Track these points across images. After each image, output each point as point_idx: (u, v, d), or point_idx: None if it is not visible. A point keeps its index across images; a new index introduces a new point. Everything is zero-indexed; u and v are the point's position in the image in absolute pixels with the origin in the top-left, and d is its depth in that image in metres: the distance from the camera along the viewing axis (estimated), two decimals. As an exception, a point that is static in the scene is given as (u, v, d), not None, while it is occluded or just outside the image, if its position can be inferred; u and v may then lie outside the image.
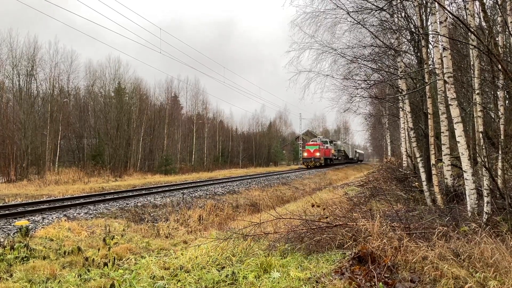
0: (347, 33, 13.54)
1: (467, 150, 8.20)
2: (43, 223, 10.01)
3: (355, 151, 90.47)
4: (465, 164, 8.09)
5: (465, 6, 9.42)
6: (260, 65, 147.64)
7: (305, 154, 50.66)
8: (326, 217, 7.12)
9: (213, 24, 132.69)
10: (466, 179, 8.12)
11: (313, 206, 7.89)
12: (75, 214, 11.40)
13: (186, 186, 22.22)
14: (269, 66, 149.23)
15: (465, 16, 9.67)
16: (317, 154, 49.15)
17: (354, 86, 14.68)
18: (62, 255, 7.43)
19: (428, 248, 5.14)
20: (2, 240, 8.29)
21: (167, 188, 20.17)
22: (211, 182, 25.02)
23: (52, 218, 10.65)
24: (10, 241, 8.06)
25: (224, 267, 5.81)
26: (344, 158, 72.33)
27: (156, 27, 62.30)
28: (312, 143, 52.43)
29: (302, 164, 53.13)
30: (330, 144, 59.94)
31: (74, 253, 7.56)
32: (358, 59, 13.28)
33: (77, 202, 14.03)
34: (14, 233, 8.80)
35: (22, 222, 9.92)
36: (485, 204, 7.41)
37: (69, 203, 13.75)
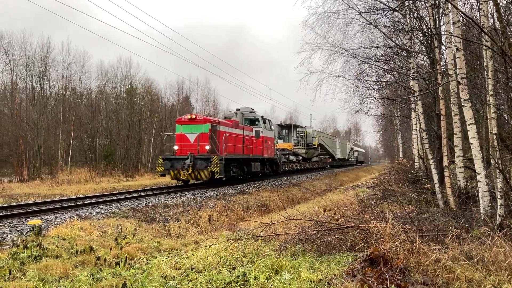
0: (359, 34, 13.49)
1: (480, 152, 8.11)
2: (56, 222, 10.09)
3: (351, 148, 68.68)
4: (478, 166, 8.01)
5: (478, 6, 9.33)
6: (268, 68, 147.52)
7: (175, 147, 20.91)
8: (337, 219, 7.09)
9: (223, 30, 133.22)
10: (479, 181, 8.04)
11: (325, 210, 7.87)
12: (87, 214, 11.48)
13: (197, 186, 22.28)
14: (278, 70, 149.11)
15: (478, 17, 9.58)
16: (206, 147, 19.99)
17: (365, 87, 14.61)
18: (74, 254, 7.49)
19: (441, 250, 5.09)
20: (15, 239, 8.37)
21: (177, 189, 20.23)
22: (222, 183, 25.04)
23: (64, 217, 10.73)
24: (23, 240, 8.13)
25: (235, 268, 5.81)
26: (330, 159, 51.62)
27: (168, 28, 62.64)
28: (193, 119, 20.94)
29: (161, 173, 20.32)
30: (273, 128, 29.71)
31: (86, 253, 7.61)
32: (370, 60, 13.21)
33: (89, 201, 14.13)
34: (27, 232, 8.88)
35: (35, 221, 10.01)
36: (499, 207, 7.33)
37: (81, 202, 13.86)
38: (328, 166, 53.78)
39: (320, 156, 47.15)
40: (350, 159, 66.80)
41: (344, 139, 70.71)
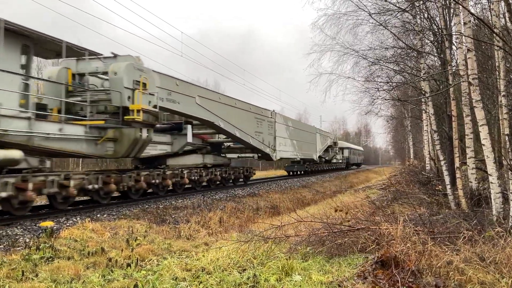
0: (369, 35, 13.48)
1: (492, 153, 8.05)
2: (67, 224, 10.17)
3: (333, 144, 44.73)
4: (490, 167, 7.95)
5: (489, 6, 9.27)
6: (277, 71, 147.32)
7: None
8: (348, 220, 7.07)
9: (232, 36, 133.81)
10: (491, 182, 7.98)
11: (336, 211, 7.85)
12: (98, 215, 11.55)
13: (206, 188, 22.32)
14: (287, 72, 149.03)
15: (489, 17, 9.51)
16: None
17: (376, 88, 14.57)
18: (86, 256, 7.53)
19: (453, 252, 5.06)
20: (27, 240, 8.45)
21: (187, 190, 20.28)
22: (231, 184, 25.06)
23: (76, 219, 10.81)
24: (36, 242, 8.20)
25: (245, 270, 5.82)
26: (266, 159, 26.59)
27: (178, 31, 62.88)
28: None
29: None
30: None
31: (97, 254, 7.66)
32: (380, 61, 13.18)
33: (100, 203, 14.17)
34: (39, 234, 8.96)
35: (47, 223, 10.09)
36: (511, 208, 7.26)
37: (92, 204, 13.92)
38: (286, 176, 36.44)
39: (235, 156, 25.46)
40: (334, 161, 47.11)
41: (312, 128, 38.58)
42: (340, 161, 51.20)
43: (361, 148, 75.76)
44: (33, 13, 50.24)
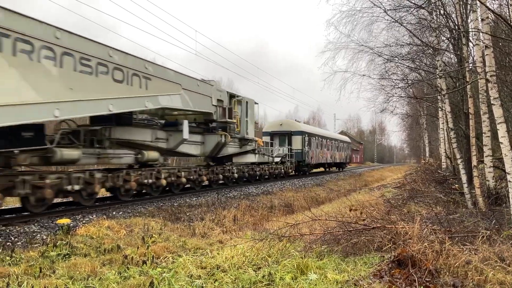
0: (384, 32, 13.43)
1: (510, 151, 7.92)
2: (84, 221, 10.27)
3: (229, 112, 16.99)
4: (509, 165, 7.82)
5: (508, 2, 9.12)
6: (292, 71, 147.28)
7: None
8: (363, 219, 7.02)
9: (246, 42, 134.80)
10: (509, 181, 7.86)
11: (350, 210, 7.81)
12: (113, 213, 11.64)
13: (221, 186, 22.35)
14: (302, 73, 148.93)
15: (508, 13, 9.36)
16: None
17: (391, 86, 14.47)
18: (102, 253, 7.60)
19: (471, 252, 4.99)
20: (45, 237, 8.55)
21: (201, 188, 20.33)
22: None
23: (92, 216, 10.92)
24: (53, 239, 8.30)
25: (260, 268, 5.81)
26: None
27: (191, 29, 63.10)
28: None
29: None
30: None
31: (113, 251, 7.72)
32: (396, 58, 13.08)
33: (116, 201, 14.29)
34: (56, 231, 9.07)
35: (64, 220, 10.20)
36: (531, 208, 7.15)
37: (108, 201, 14.05)
38: None
39: None
40: (249, 159, 22.30)
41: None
42: (278, 159, 26.41)
43: (344, 138, 47.17)
44: (57, 14, 51.03)
